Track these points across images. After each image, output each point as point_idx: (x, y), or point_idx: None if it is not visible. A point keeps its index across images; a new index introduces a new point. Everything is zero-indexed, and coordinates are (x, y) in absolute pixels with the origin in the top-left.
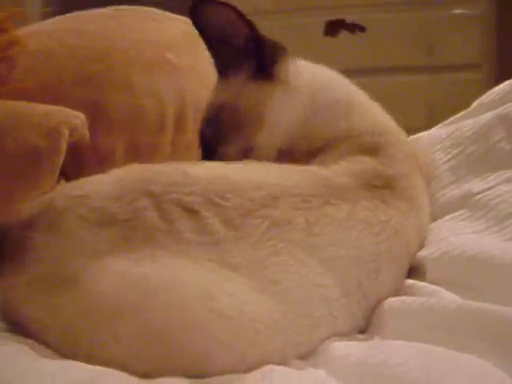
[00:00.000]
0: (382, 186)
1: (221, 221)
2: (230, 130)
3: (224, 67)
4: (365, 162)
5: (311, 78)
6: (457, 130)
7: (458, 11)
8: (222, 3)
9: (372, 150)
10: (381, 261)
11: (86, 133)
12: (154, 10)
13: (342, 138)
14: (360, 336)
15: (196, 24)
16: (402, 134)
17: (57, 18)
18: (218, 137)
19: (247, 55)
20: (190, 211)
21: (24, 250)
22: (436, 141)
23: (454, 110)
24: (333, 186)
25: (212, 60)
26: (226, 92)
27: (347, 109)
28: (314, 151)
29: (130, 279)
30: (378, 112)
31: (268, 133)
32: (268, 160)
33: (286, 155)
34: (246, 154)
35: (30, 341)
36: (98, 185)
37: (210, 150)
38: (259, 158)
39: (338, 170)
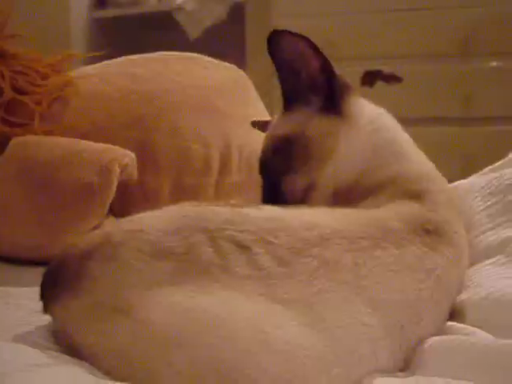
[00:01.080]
0: (433, 232)
1: (272, 257)
2: (297, 161)
3: (291, 99)
4: (413, 207)
5: (371, 116)
6: (495, 178)
7: (494, 64)
8: (298, 35)
9: (417, 196)
10: (423, 306)
11: (135, 171)
12: (201, 56)
13: (391, 181)
14: (400, 374)
15: (271, 54)
16: (445, 182)
17: (107, 61)
18: (283, 167)
19: (317, 88)
20: (243, 247)
21: (81, 277)
22: (474, 188)
23: (489, 162)
24: (383, 228)
25: (280, 90)
26: (292, 123)
27: (400, 152)
28: (367, 193)
29: (184, 311)
30: (422, 158)
31: (333, 168)
32: (326, 200)
33: (343, 195)
34: (309, 188)
35: (85, 363)
36: (153, 219)
37: (274, 180)
38: (321, 194)
39: (389, 213)
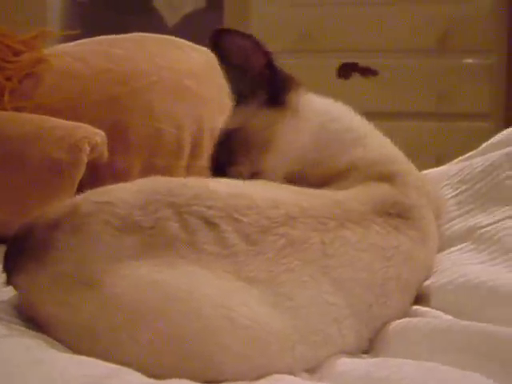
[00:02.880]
0: (396, 215)
1: (239, 235)
2: (240, 152)
3: (239, 95)
4: (383, 188)
5: (321, 109)
6: (465, 167)
7: (469, 60)
8: (242, 33)
9: (387, 177)
10: (390, 285)
11: (105, 151)
12: (178, 38)
13: (356, 166)
14: (364, 355)
15: (216, 51)
16: (412, 166)
17: (82, 40)
18: (228, 160)
19: (261, 83)
20: (210, 224)
21: (47, 249)
22: (444, 177)
23: None
24: (347, 210)
25: (228, 88)
26: (238, 118)
27: (358, 138)
28: (327, 180)
29: (149, 284)
30: (387, 143)
31: (275, 158)
32: None
33: (298, 183)
34: (253, 177)
35: (47, 337)
36: (122, 192)
37: (220, 172)
38: None
39: (353, 195)
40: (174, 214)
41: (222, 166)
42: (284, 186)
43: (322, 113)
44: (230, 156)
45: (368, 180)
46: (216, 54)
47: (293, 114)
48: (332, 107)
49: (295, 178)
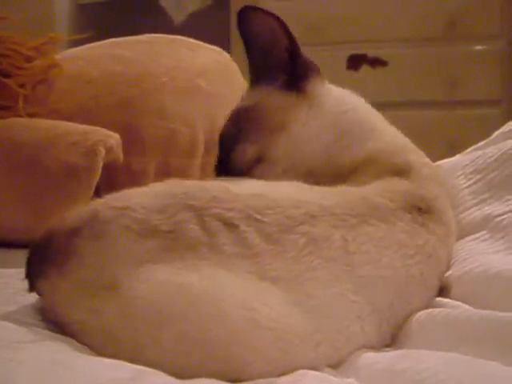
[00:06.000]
0: (424, 210)
1: (260, 235)
2: (249, 130)
3: (258, 75)
4: (402, 184)
5: (336, 100)
6: (478, 157)
7: (479, 47)
8: (268, 12)
9: (403, 171)
10: (413, 283)
11: (121, 153)
12: (187, 38)
13: (375, 158)
14: (387, 349)
15: (240, 29)
16: (424, 155)
17: (91, 44)
18: (236, 137)
19: (282, 66)
20: (230, 225)
21: (68, 255)
22: (458, 167)
23: (474, 145)
24: (371, 206)
25: (248, 67)
26: (253, 96)
27: (374, 130)
28: (343, 172)
29: (172, 287)
30: (398, 133)
31: (286, 143)
32: (277, 175)
33: (313, 176)
34: (259, 160)
35: (72, 340)
36: (140, 197)
37: (228, 150)
38: (270, 168)
39: (378, 191)
40: (193, 217)
41: (229, 143)
42: (307, 186)
43: (339, 103)
44: (238, 133)
45: (385, 173)
46: (240, 30)
47: (310, 102)
48: (349, 98)
49: (305, 173)
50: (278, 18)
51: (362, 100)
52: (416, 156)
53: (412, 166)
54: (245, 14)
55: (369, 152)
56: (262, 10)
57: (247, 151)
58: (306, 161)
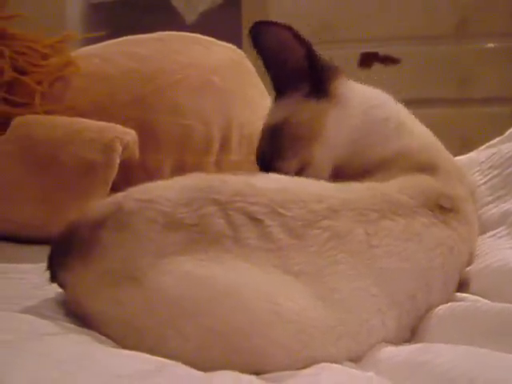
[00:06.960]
0: (447, 209)
1: (284, 230)
2: (286, 146)
3: (281, 88)
4: (428, 180)
5: (363, 97)
6: (494, 153)
7: (490, 45)
8: (279, 24)
9: (430, 169)
10: (433, 276)
11: (137, 150)
12: (200, 35)
13: (402, 155)
14: (406, 343)
15: (255, 47)
16: (448, 153)
17: (106, 42)
18: (275, 154)
19: (303, 74)
20: (255, 219)
21: (92, 246)
22: (474, 163)
23: (486, 143)
24: (391, 202)
25: (270, 81)
26: (282, 111)
27: (398, 127)
28: (371, 169)
29: (195, 279)
30: (426, 130)
31: (323, 149)
32: (324, 177)
33: (340, 173)
34: (302, 170)
35: (94, 333)
36: (164, 190)
37: (266, 167)
38: (315, 175)
39: (399, 188)
40: (218, 211)
41: (267, 161)
42: (321, 181)
43: (365, 100)
44: (277, 151)
45: (411, 170)
46: (255, 48)
47: (337, 103)
48: (373, 94)
49: (339, 172)
50: (290, 28)
51: (387, 95)
52: (443, 154)
53: (439, 165)
54: (256, 30)
55: (396, 149)
56: (272, 23)
57: (289, 167)
58: (341, 158)
